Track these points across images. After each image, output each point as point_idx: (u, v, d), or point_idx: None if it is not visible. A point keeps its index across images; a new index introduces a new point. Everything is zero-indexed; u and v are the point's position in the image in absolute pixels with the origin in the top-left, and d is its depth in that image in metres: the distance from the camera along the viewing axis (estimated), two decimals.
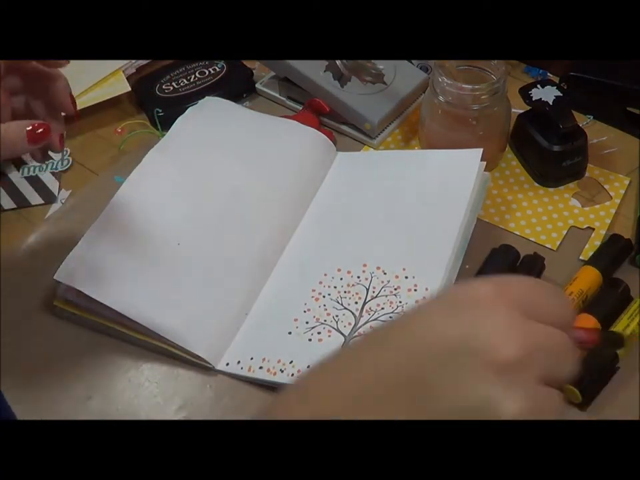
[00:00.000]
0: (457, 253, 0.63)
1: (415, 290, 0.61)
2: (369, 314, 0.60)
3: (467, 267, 0.65)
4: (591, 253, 0.65)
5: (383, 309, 0.61)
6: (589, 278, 0.62)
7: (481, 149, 0.67)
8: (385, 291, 0.62)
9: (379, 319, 0.60)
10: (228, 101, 0.78)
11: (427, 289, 0.61)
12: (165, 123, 0.78)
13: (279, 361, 0.58)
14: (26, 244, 0.68)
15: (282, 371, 0.58)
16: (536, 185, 0.72)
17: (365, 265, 0.63)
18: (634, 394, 0.57)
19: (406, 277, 0.62)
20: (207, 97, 0.78)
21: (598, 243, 0.66)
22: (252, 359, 0.59)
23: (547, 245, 0.67)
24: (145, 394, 0.59)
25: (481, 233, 0.68)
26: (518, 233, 0.68)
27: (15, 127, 0.53)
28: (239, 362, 0.59)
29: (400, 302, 0.61)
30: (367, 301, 0.61)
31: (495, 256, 0.64)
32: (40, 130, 0.53)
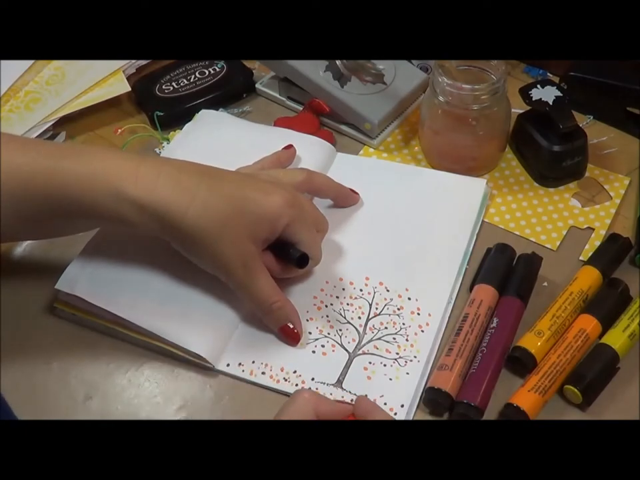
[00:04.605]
0: (458, 274, 0.64)
1: (418, 314, 0.61)
2: (372, 332, 0.60)
3: (467, 267, 0.65)
4: (590, 253, 0.65)
5: (386, 328, 0.61)
6: (589, 278, 0.62)
7: (485, 180, 0.70)
8: (388, 309, 0.62)
9: (382, 338, 0.60)
10: (223, 113, 0.78)
11: (429, 315, 0.61)
12: (165, 124, 0.78)
13: (282, 369, 0.58)
14: (28, 244, 0.68)
15: (286, 380, 0.58)
16: (536, 185, 0.72)
17: (367, 278, 0.64)
18: (634, 394, 0.57)
19: (409, 298, 0.62)
20: (202, 110, 0.78)
21: (598, 243, 0.66)
22: (253, 362, 0.59)
23: (546, 245, 0.67)
24: (145, 394, 0.59)
25: (480, 233, 0.68)
26: (518, 233, 0.68)
27: (292, 313, 0.60)
28: (240, 364, 0.59)
29: (403, 324, 0.61)
30: (370, 317, 0.61)
31: (490, 255, 0.64)
32: (295, 331, 0.60)
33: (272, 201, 0.57)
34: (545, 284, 0.64)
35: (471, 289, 0.63)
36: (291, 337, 0.60)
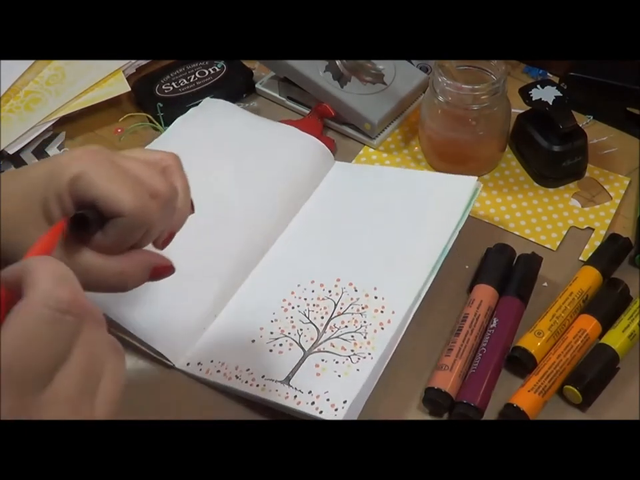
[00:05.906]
0: (432, 270, 0.61)
1: (382, 312, 0.60)
2: (332, 330, 0.59)
3: (467, 267, 0.65)
4: (590, 254, 0.65)
5: (346, 326, 0.60)
6: (588, 278, 0.62)
7: (476, 177, 0.67)
8: (352, 308, 0.61)
9: (340, 336, 0.59)
10: (229, 102, 0.78)
11: (393, 312, 0.59)
12: (165, 123, 0.78)
13: (236, 367, 0.58)
14: None
15: (237, 377, 0.57)
16: (536, 185, 0.72)
17: (338, 280, 0.63)
18: (634, 394, 0.57)
19: (375, 297, 0.61)
20: (208, 98, 0.77)
21: (598, 243, 0.66)
22: (212, 361, 0.59)
23: (546, 245, 0.67)
24: (146, 394, 0.59)
25: (480, 233, 0.68)
26: (518, 233, 0.68)
27: (142, 262, 0.50)
28: (199, 363, 0.59)
29: (364, 322, 0.59)
30: (332, 316, 0.61)
31: (490, 255, 0.64)
32: (162, 265, 0.50)
33: (62, 156, 0.47)
34: (545, 284, 0.64)
35: (470, 289, 0.63)
36: (164, 271, 0.50)
